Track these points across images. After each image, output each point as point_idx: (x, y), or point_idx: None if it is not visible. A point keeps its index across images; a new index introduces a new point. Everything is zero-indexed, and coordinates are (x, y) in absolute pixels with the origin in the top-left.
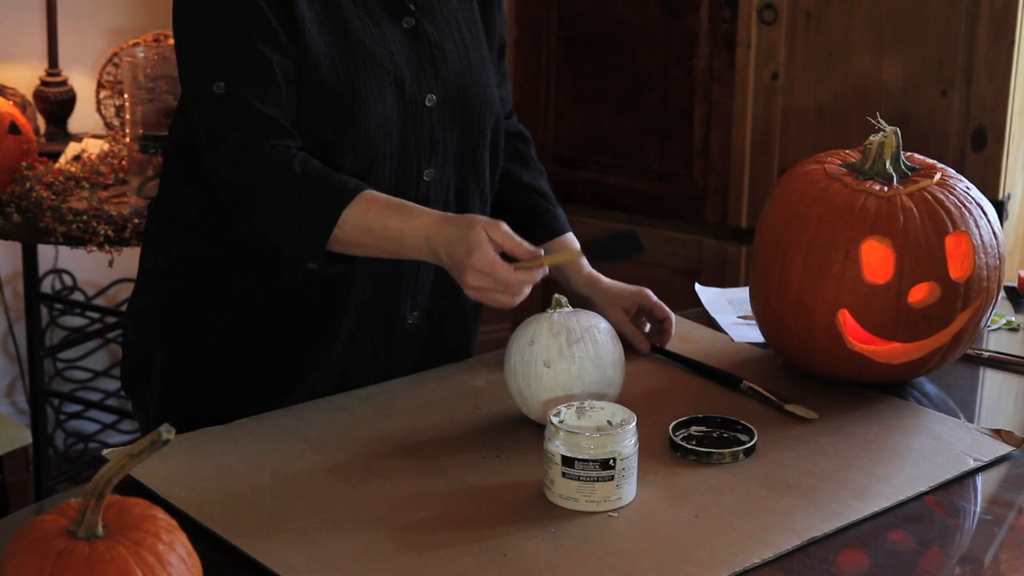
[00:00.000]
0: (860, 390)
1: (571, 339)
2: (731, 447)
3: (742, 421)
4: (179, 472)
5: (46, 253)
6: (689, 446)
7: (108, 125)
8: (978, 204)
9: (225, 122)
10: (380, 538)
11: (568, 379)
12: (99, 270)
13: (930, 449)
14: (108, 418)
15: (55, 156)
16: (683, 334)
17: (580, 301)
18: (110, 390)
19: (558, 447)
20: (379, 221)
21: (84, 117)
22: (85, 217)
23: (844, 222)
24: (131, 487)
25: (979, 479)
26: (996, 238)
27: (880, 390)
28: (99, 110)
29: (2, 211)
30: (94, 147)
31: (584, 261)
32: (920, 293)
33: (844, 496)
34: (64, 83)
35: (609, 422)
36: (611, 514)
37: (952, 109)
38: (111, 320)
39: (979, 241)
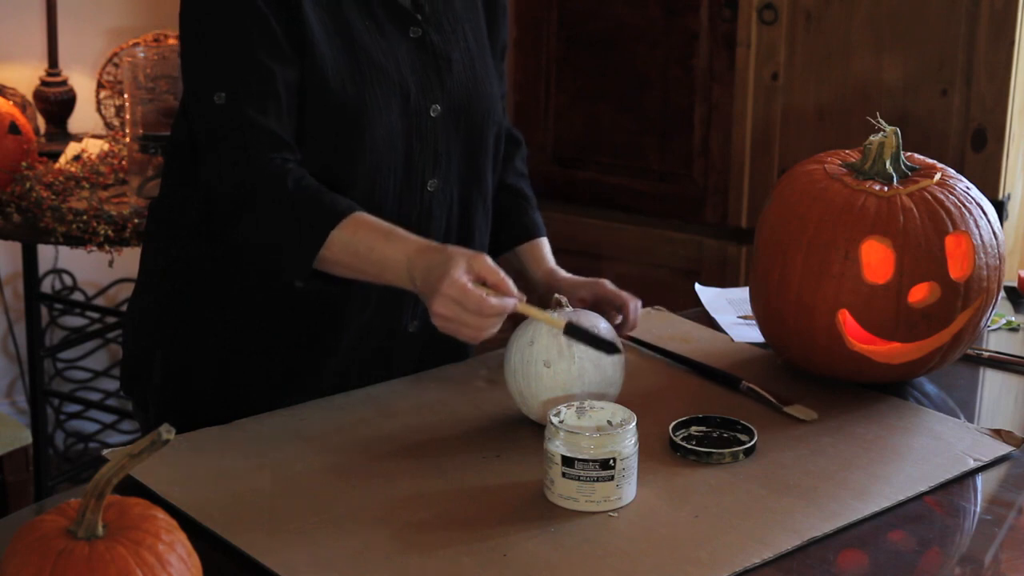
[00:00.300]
0: (860, 390)
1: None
2: (731, 447)
3: (742, 421)
4: (179, 472)
5: (46, 253)
6: (689, 446)
7: (108, 125)
8: (978, 204)
9: (224, 132)
10: (380, 538)
11: (568, 379)
12: (99, 270)
13: (930, 449)
14: (108, 418)
15: (55, 156)
16: (683, 334)
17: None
18: (110, 390)
19: (558, 447)
20: (365, 243)
21: (84, 117)
22: (85, 217)
23: (844, 222)
24: (131, 487)
25: (979, 479)
26: (996, 238)
27: (880, 390)
28: (99, 110)
29: (2, 211)
30: (94, 147)
31: (548, 254)
32: (920, 293)
33: (844, 496)
34: (64, 83)
35: (609, 422)
36: (611, 514)
37: (952, 109)
38: (111, 320)
39: (979, 241)
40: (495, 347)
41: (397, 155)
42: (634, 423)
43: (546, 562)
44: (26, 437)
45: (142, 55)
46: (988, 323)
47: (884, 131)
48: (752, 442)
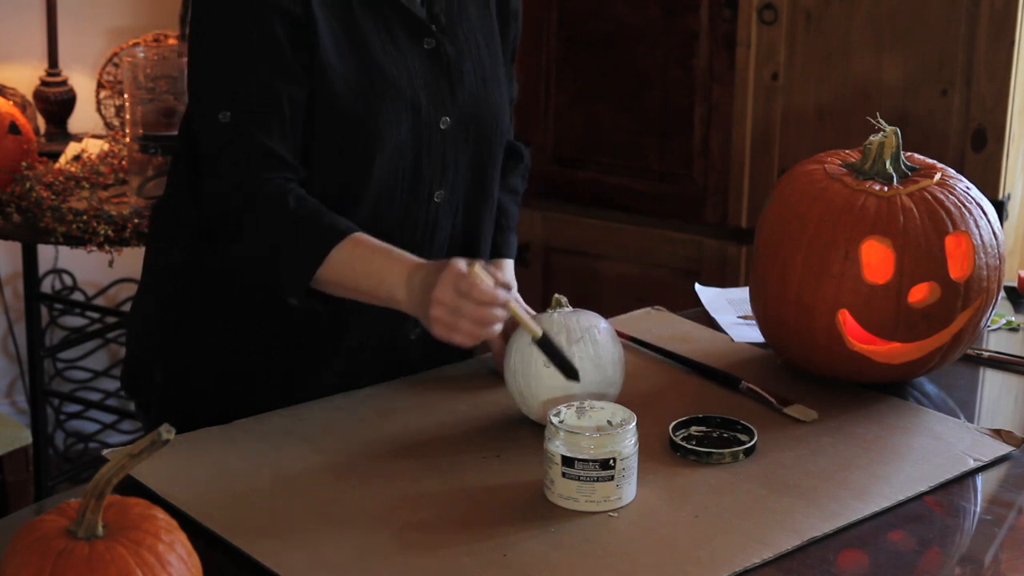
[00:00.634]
0: (860, 390)
1: (571, 339)
2: (731, 447)
3: (742, 421)
4: (179, 472)
5: (46, 253)
6: (689, 446)
7: (108, 125)
8: (978, 204)
9: (227, 151)
10: (380, 538)
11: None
12: (99, 270)
13: (930, 449)
14: (108, 418)
15: (55, 156)
16: (683, 334)
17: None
18: (110, 390)
19: (558, 447)
20: (363, 259)
21: (84, 117)
22: (85, 217)
23: (844, 222)
24: (131, 487)
25: (979, 479)
26: (996, 238)
27: (880, 390)
28: (99, 110)
29: (2, 211)
30: (94, 147)
31: (511, 270)
32: (920, 293)
33: (844, 496)
34: (64, 83)
35: (609, 422)
36: (611, 514)
37: (952, 109)
38: (111, 320)
39: (979, 241)
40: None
41: (406, 168)
42: (634, 423)
43: (546, 562)
44: (26, 437)
45: (142, 55)
46: (988, 323)
47: (884, 131)
48: (752, 442)
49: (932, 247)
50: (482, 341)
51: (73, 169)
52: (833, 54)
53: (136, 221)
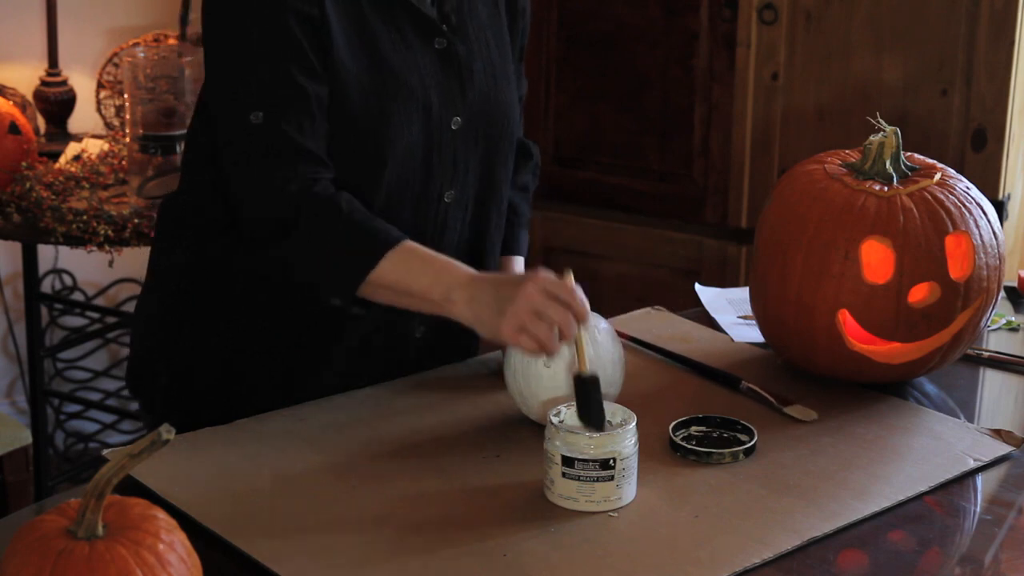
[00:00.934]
0: (860, 390)
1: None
2: (731, 447)
3: (742, 421)
4: (179, 472)
5: (46, 253)
6: (689, 446)
7: (108, 125)
8: (978, 204)
9: (262, 152)
10: (380, 538)
11: (568, 379)
12: (99, 270)
13: (930, 449)
14: (108, 418)
15: (55, 156)
16: (683, 334)
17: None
18: (110, 390)
19: (558, 447)
20: (422, 262)
21: (84, 117)
22: (85, 217)
23: (844, 222)
24: (131, 487)
25: (979, 479)
26: (996, 238)
27: (880, 390)
28: (99, 110)
29: (2, 211)
30: (94, 147)
31: (521, 267)
32: (920, 293)
33: (844, 496)
34: (64, 83)
35: (609, 422)
36: (611, 514)
37: (952, 109)
38: (111, 320)
39: (979, 241)
40: (495, 348)
41: (416, 168)
42: (634, 423)
43: (546, 562)
44: (26, 437)
45: (142, 55)
46: (988, 323)
47: (884, 131)
48: (752, 442)
49: (932, 247)
50: (538, 349)
51: (73, 169)
52: (833, 54)
53: (136, 221)
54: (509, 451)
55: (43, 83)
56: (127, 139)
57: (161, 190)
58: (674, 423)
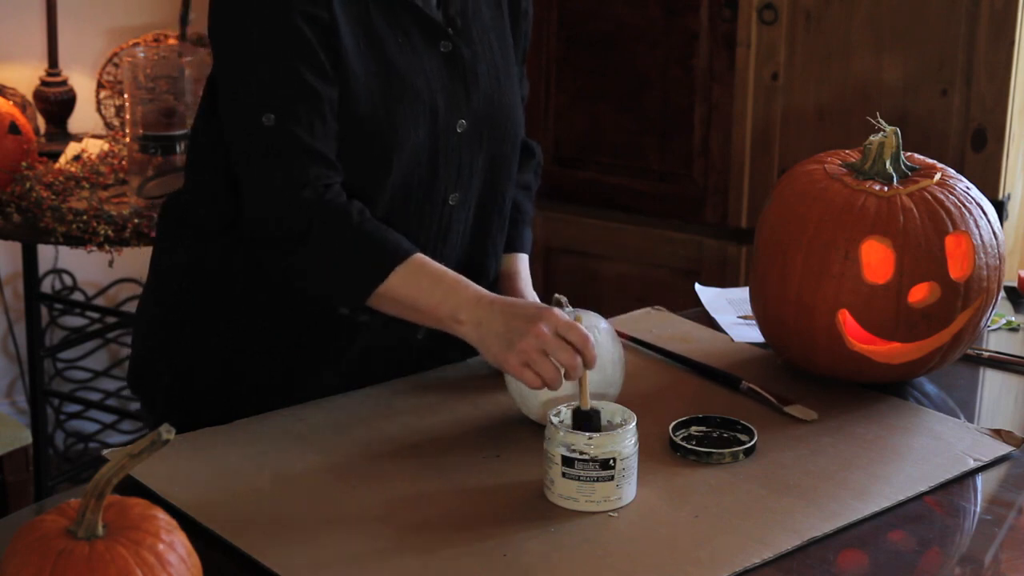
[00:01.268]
0: (860, 390)
1: None
2: (731, 447)
3: (742, 421)
4: (179, 472)
5: (46, 253)
6: (689, 446)
7: (108, 125)
8: (978, 204)
9: (273, 154)
10: (380, 538)
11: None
12: (99, 270)
13: (930, 449)
14: (108, 418)
15: (55, 156)
16: (683, 334)
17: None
18: (110, 390)
19: (558, 447)
20: (431, 278)
21: (84, 117)
22: (85, 217)
23: (844, 222)
24: (131, 487)
25: (979, 479)
26: (996, 238)
27: (880, 390)
28: (99, 110)
29: (2, 211)
30: (94, 147)
31: (522, 270)
32: (920, 293)
33: (844, 496)
34: (64, 83)
35: (609, 422)
36: (611, 514)
37: (952, 109)
38: (111, 320)
39: (979, 241)
40: None
41: (422, 171)
42: (634, 423)
43: (546, 562)
44: (26, 437)
45: (142, 55)
46: (988, 323)
47: (884, 131)
48: (752, 442)
49: (932, 247)
50: (540, 385)
51: (73, 169)
52: (833, 54)
53: (136, 221)
54: (509, 451)
55: (43, 83)
56: (127, 139)
57: (161, 190)
58: (674, 423)
